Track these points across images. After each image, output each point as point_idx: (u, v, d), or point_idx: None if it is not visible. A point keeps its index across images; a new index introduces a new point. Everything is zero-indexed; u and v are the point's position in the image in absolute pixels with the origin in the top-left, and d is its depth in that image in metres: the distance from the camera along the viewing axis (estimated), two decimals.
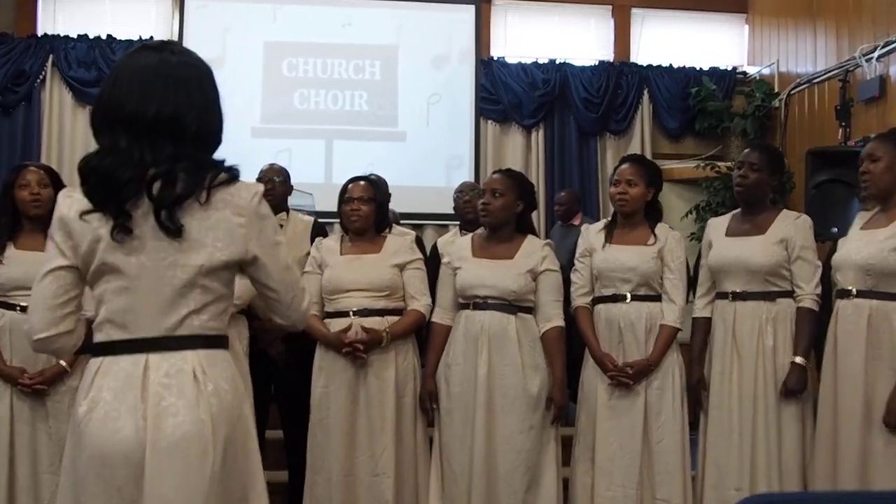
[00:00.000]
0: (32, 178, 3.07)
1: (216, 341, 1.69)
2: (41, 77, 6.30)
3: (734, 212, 3.34)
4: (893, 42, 5.04)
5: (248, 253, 1.68)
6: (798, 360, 3.05)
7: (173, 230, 1.60)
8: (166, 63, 1.66)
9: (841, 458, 2.84)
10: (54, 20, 6.51)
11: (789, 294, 3.13)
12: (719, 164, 6.43)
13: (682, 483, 3.13)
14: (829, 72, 5.78)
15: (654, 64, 6.98)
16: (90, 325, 1.70)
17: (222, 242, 1.65)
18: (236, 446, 1.66)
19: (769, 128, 6.58)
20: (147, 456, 1.57)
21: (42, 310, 1.65)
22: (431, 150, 6.68)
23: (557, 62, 6.84)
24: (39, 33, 6.41)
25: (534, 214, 3.46)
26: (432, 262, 3.62)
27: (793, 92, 6.28)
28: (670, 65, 6.99)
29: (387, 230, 3.41)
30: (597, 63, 6.94)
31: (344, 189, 3.39)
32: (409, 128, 6.72)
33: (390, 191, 4.45)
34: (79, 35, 6.37)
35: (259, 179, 3.60)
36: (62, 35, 6.37)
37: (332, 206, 3.45)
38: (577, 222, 5.48)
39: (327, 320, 3.25)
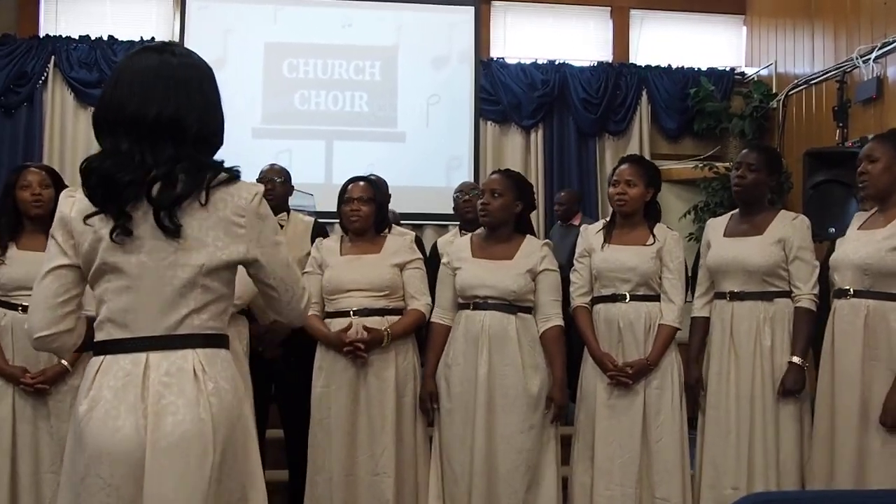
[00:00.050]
0: (34, 179, 3.08)
1: (216, 340, 1.69)
2: (43, 78, 6.33)
3: (733, 212, 3.35)
4: (891, 43, 5.05)
5: (249, 253, 1.69)
6: (795, 359, 3.06)
7: (172, 230, 1.61)
8: (167, 64, 1.67)
9: (838, 458, 2.84)
10: (56, 21, 6.53)
11: (787, 294, 3.13)
12: (717, 164, 6.46)
13: (681, 482, 3.14)
14: (827, 73, 5.80)
15: (653, 65, 7.00)
16: (91, 324, 1.71)
17: (223, 242, 1.66)
18: (236, 445, 1.67)
19: (767, 128, 6.60)
20: (147, 455, 1.58)
21: (43, 308, 1.67)
22: (431, 151, 6.70)
23: (557, 63, 6.86)
24: (41, 34, 6.43)
25: (533, 214, 3.47)
26: (432, 261, 3.63)
27: (791, 93, 6.30)
28: (669, 66, 7.01)
29: (386, 230, 3.42)
30: (596, 64, 6.96)
31: (343, 189, 3.40)
32: (409, 128, 6.73)
33: (390, 191, 4.47)
34: (80, 36, 6.39)
35: (259, 180, 3.61)
36: (64, 36, 6.39)
37: (333, 206, 3.46)
38: (576, 222, 5.49)
39: (327, 320, 3.26)
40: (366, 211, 3.31)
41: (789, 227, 3.16)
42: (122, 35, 6.38)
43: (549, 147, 6.84)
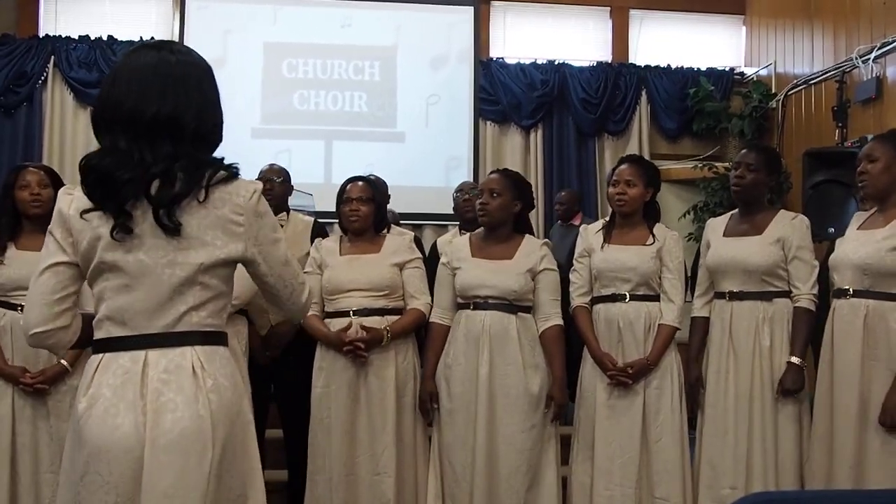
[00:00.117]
0: (32, 179, 3.08)
1: (215, 338, 1.70)
2: (42, 78, 6.33)
3: (733, 212, 3.35)
4: (890, 43, 5.06)
5: (247, 251, 1.69)
6: (794, 359, 3.06)
7: (171, 228, 1.61)
8: (165, 62, 1.67)
9: (837, 458, 2.84)
10: (55, 21, 6.53)
11: (786, 294, 3.14)
12: (717, 164, 6.46)
13: (681, 482, 3.14)
14: (826, 73, 5.80)
15: (652, 65, 7.01)
16: (89, 321, 1.71)
17: (221, 241, 1.66)
18: (235, 442, 1.67)
19: (766, 128, 6.60)
20: (146, 452, 1.58)
21: (40, 305, 1.67)
22: (430, 151, 6.70)
23: (556, 63, 6.86)
24: (41, 34, 6.43)
25: (532, 214, 3.47)
26: (433, 261, 3.63)
27: (790, 93, 6.30)
28: (668, 66, 7.01)
29: (385, 230, 3.43)
30: (595, 64, 6.96)
31: (342, 189, 3.40)
32: (409, 128, 6.73)
33: (390, 191, 4.48)
34: (80, 36, 6.39)
35: (259, 180, 3.61)
36: (63, 36, 6.39)
37: (332, 206, 3.45)
38: (577, 222, 5.50)
39: (327, 320, 3.26)
40: (365, 211, 3.31)
41: (788, 226, 3.16)
42: (122, 35, 6.39)
43: (549, 147, 6.84)
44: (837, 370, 2.88)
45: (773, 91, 6.53)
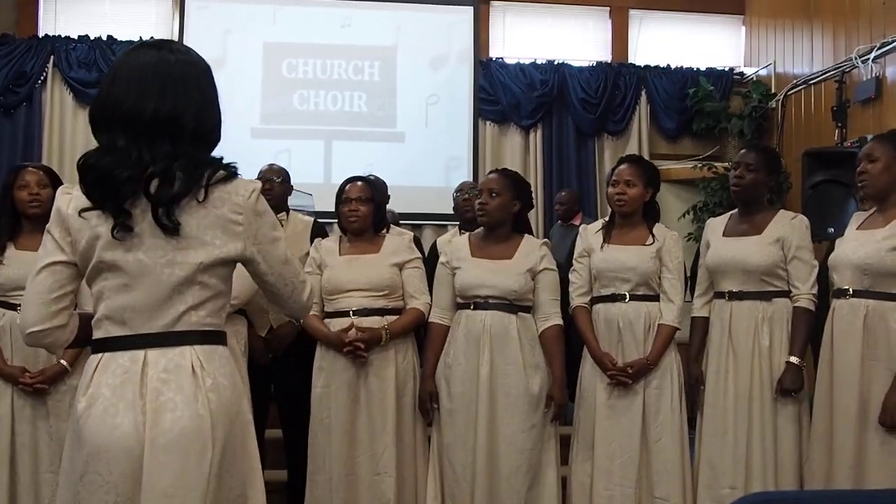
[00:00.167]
0: (31, 179, 3.08)
1: (214, 337, 1.70)
2: (42, 78, 6.32)
3: (732, 212, 3.35)
4: (890, 43, 5.06)
5: (246, 250, 1.69)
6: (793, 359, 3.06)
7: (171, 228, 1.61)
8: (164, 61, 1.67)
9: (837, 458, 2.84)
10: (55, 21, 6.53)
11: (786, 294, 3.14)
12: (716, 164, 6.46)
13: (681, 482, 3.14)
14: (826, 73, 5.80)
15: (652, 65, 7.01)
16: (88, 321, 1.71)
17: (220, 240, 1.66)
18: (235, 442, 1.67)
19: (766, 128, 6.60)
20: (146, 451, 1.58)
21: (37, 304, 1.67)
22: (430, 151, 6.70)
23: (555, 63, 6.86)
24: (40, 34, 6.43)
25: (532, 214, 3.47)
26: (433, 261, 3.63)
27: (789, 93, 6.30)
28: (668, 66, 7.01)
29: (385, 230, 3.42)
30: (595, 64, 6.96)
31: (341, 190, 3.40)
32: (408, 128, 6.73)
33: (389, 191, 4.48)
34: (79, 36, 6.39)
35: (258, 180, 3.61)
36: (63, 36, 6.39)
37: (332, 206, 3.45)
38: (577, 222, 5.50)
39: (327, 320, 3.25)
40: (364, 211, 3.31)
41: (788, 226, 3.16)
42: (122, 35, 6.39)
43: (548, 147, 6.84)
44: (837, 370, 2.88)
45: (773, 91, 6.53)
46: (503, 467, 3.09)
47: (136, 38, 6.20)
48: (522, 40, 7.01)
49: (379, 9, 6.73)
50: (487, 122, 6.84)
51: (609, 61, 7.00)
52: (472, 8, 6.82)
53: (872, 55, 5.18)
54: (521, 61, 6.88)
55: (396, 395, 3.19)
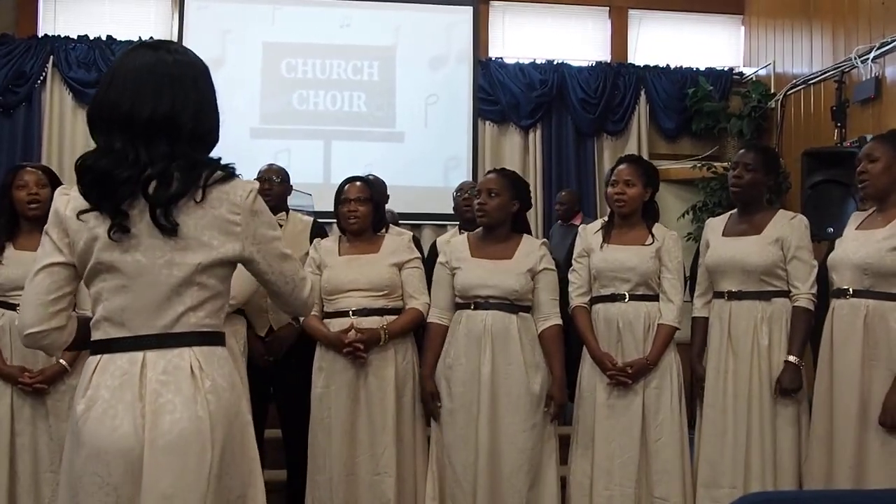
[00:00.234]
0: (30, 179, 3.08)
1: (213, 338, 1.69)
2: (41, 78, 6.32)
3: (732, 212, 3.35)
4: (889, 43, 5.06)
5: (244, 250, 1.69)
6: (791, 358, 3.06)
7: (169, 229, 1.61)
8: (162, 62, 1.66)
9: (837, 458, 2.84)
10: (55, 21, 6.52)
11: (785, 294, 3.14)
12: (716, 164, 6.46)
13: (681, 481, 3.14)
14: (825, 73, 5.80)
15: (651, 65, 7.01)
16: (87, 323, 1.71)
17: (218, 241, 1.65)
18: (234, 443, 1.66)
19: (765, 128, 6.60)
20: (145, 453, 1.58)
21: (35, 305, 1.66)
22: (429, 151, 6.70)
23: (555, 63, 6.86)
24: (40, 34, 6.42)
25: (531, 214, 3.47)
26: (432, 261, 3.63)
27: (789, 93, 6.30)
28: (667, 66, 7.01)
29: (384, 230, 3.42)
30: (594, 64, 6.96)
31: (340, 189, 3.39)
32: (408, 128, 6.73)
33: (389, 191, 4.47)
34: (79, 36, 6.39)
35: (258, 180, 3.61)
36: (62, 36, 6.39)
37: (331, 206, 3.45)
38: (577, 222, 5.50)
39: (326, 320, 3.25)
40: (363, 211, 3.31)
41: (787, 226, 3.17)
42: (121, 35, 6.39)
43: (548, 147, 6.84)
44: (837, 370, 2.88)
45: (772, 91, 6.54)
46: (505, 467, 3.09)
47: (135, 38, 6.20)
48: (522, 40, 7.01)
49: (378, 9, 6.73)
50: (487, 122, 6.84)
51: (608, 61, 7.00)
52: (471, 8, 6.82)
53: (872, 55, 5.18)
54: (521, 61, 6.88)
55: (396, 395, 3.19)
